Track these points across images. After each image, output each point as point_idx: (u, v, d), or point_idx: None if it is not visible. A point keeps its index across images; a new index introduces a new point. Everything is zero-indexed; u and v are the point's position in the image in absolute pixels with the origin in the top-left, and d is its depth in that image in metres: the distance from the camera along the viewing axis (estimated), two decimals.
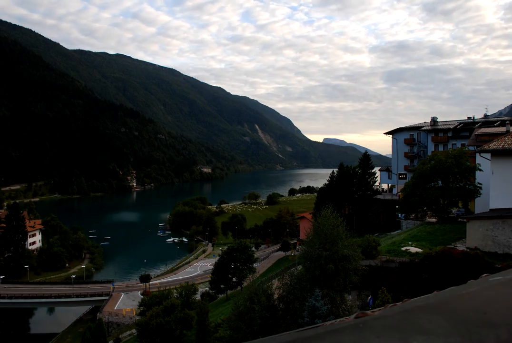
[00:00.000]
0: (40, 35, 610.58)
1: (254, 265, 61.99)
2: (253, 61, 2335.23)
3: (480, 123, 57.09)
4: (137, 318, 51.01)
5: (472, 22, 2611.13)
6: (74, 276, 73.63)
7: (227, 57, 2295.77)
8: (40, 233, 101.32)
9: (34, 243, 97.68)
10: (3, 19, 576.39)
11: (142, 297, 59.10)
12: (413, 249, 30.42)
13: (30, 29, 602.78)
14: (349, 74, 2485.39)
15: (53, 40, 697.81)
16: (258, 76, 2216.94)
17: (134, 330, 45.78)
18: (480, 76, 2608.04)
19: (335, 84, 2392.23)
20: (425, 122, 71.26)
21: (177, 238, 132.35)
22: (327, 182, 71.35)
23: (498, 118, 62.93)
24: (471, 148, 44.07)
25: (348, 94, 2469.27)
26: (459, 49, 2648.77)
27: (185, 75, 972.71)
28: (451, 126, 61.96)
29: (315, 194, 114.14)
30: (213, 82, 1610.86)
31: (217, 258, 61.94)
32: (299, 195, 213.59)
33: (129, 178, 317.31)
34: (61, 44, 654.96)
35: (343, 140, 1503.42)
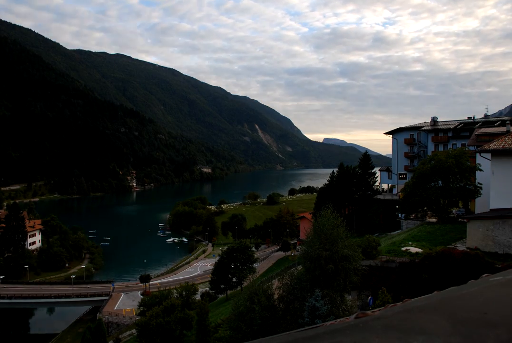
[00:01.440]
0: (40, 35, 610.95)
1: (254, 265, 61.98)
2: None
3: (480, 123, 57.10)
4: (137, 318, 50.99)
5: None
6: (74, 276, 73.61)
7: None
8: (40, 233, 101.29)
9: (34, 243, 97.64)
10: (3, 19, 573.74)
11: (142, 297, 59.11)
12: (413, 249, 30.39)
13: (30, 29, 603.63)
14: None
15: (53, 40, 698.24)
16: None
17: (134, 330, 45.78)
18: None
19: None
20: (425, 122, 71.25)
21: (177, 238, 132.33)
22: (327, 182, 71.34)
23: (498, 118, 62.95)
24: (471, 148, 44.05)
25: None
26: None
27: (185, 75, 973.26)
28: (451, 126, 61.94)
29: (315, 194, 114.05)
30: (213, 82, 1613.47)
31: (217, 258, 61.92)
32: (299, 195, 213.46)
33: (129, 178, 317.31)
34: (60, 44, 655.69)
35: (343, 140, 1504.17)
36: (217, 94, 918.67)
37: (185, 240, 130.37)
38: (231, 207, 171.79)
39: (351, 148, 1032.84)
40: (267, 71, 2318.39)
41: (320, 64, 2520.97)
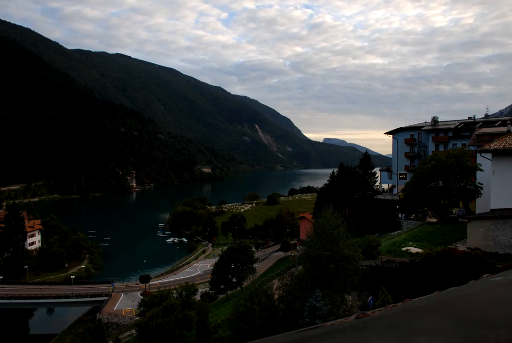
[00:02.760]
0: (39, 34, 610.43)
1: (254, 265, 61.98)
2: None
3: (481, 123, 57.05)
4: (136, 318, 50.90)
5: None
6: (73, 276, 73.56)
7: None
8: (40, 233, 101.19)
9: (33, 243, 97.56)
10: (3, 19, 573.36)
11: (142, 297, 59.05)
12: (414, 249, 30.35)
13: (30, 29, 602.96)
14: None
15: (53, 39, 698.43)
16: None
17: (133, 331, 45.74)
18: None
19: None
20: (425, 122, 71.20)
21: (177, 238, 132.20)
22: (327, 182, 71.33)
23: (499, 118, 62.91)
24: (472, 148, 44.02)
25: None
26: None
27: (185, 75, 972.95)
28: (452, 126, 61.93)
29: (315, 194, 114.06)
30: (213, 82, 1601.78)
31: (217, 258, 61.92)
32: (299, 195, 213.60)
33: (128, 178, 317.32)
34: (60, 43, 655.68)
35: (343, 140, 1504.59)
36: (217, 94, 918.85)
37: (185, 240, 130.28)
38: (231, 207, 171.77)
39: (351, 148, 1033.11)
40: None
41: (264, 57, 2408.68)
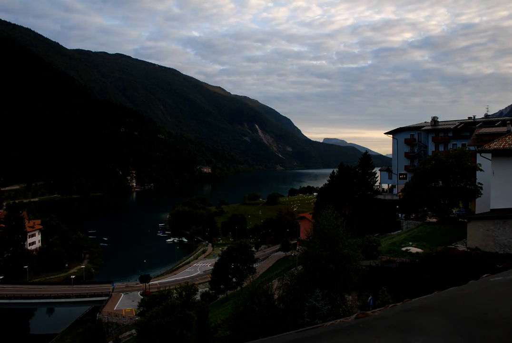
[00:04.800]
0: (39, 34, 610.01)
1: (254, 265, 61.99)
2: None
3: (480, 123, 57.04)
4: (136, 318, 50.92)
5: None
6: (73, 276, 73.53)
7: None
8: (40, 233, 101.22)
9: (33, 243, 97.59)
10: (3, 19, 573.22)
11: (142, 297, 59.01)
12: (414, 249, 30.36)
13: (30, 29, 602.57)
14: None
15: (53, 39, 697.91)
16: None
17: (133, 331, 45.75)
18: None
19: None
20: (425, 122, 71.20)
21: (177, 238, 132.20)
22: (327, 182, 71.32)
23: (498, 118, 62.91)
24: (472, 148, 44.00)
25: None
26: None
27: (185, 75, 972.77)
28: (452, 126, 61.93)
29: (315, 194, 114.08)
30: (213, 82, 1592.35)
31: (217, 258, 61.94)
32: (299, 195, 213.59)
33: (129, 178, 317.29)
34: (60, 43, 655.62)
35: (343, 140, 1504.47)
36: (217, 94, 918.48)
37: (185, 240, 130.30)
38: (231, 207, 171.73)
39: (351, 148, 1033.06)
40: None
41: None
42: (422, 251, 29.42)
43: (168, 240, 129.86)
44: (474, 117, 66.09)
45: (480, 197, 37.23)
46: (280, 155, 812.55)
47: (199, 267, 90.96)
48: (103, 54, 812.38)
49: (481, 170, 35.58)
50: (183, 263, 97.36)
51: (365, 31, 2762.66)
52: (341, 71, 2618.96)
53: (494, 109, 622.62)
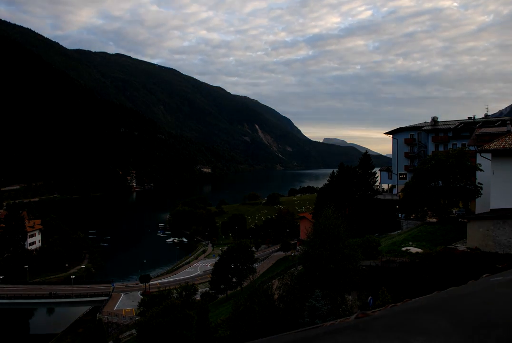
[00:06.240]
0: (39, 34, 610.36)
1: (254, 265, 61.99)
2: None
3: (480, 123, 57.01)
4: (136, 318, 50.94)
5: None
6: (73, 276, 73.48)
7: None
8: (40, 233, 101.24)
9: (33, 243, 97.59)
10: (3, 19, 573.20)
11: (142, 297, 59.02)
12: (414, 249, 30.36)
13: (30, 29, 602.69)
14: None
15: (53, 39, 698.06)
16: None
17: (133, 331, 45.75)
18: None
19: None
20: (425, 122, 71.19)
21: (177, 238, 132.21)
22: (327, 182, 71.31)
23: (498, 118, 62.91)
24: (472, 148, 43.97)
25: None
26: None
27: (185, 75, 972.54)
28: (452, 126, 61.91)
29: (316, 194, 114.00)
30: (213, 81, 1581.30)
31: (217, 258, 61.95)
32: (299, 195, 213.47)
33: (129, 178, 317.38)
34: (60, 43, 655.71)
35: (343, 140, 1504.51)
36: (217, 94, 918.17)
37: (185, 240, 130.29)
38: (231, 207, 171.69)
39: (351, 148, 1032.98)
40: None
41: None
42: (422, 251, 29.43)
43: (168, 240, 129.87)
44: (474, 117, 66.05)
45: (480, 197, 37.23)
46: (280, 155, 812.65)
47: (199, 267, 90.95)
48: (103, 54, 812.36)
49: (481, 170, 35.57)
50: (183, 263, 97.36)
51: None
52: None
53: (494, 109, 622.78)
